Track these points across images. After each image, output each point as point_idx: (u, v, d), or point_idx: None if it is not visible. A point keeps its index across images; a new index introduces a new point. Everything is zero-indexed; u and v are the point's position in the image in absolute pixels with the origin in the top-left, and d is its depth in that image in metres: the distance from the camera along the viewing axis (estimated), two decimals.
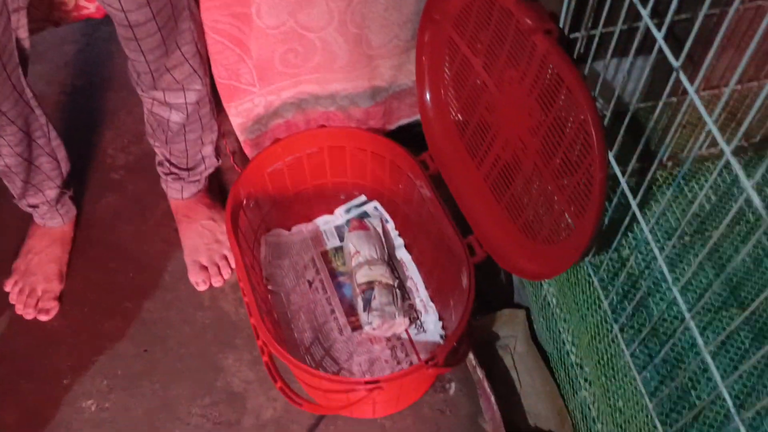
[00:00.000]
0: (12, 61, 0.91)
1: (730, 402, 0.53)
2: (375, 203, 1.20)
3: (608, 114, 0.76)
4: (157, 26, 0.89)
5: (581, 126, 0.71)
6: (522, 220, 0.90)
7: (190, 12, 0.93)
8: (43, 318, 1.13)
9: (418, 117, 1.16)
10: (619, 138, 0.74)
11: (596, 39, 0.74)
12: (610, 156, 0.70)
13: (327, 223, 1.22)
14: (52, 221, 1.17)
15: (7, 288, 1.15)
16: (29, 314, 1.13)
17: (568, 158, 0.77)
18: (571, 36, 0.79)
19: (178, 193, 1.19)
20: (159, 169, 1.18)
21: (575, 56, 0.80)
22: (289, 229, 1.21)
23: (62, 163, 1.12)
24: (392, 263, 1.15)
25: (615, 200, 0.78)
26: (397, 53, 1.06)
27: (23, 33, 0.92)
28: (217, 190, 1.27)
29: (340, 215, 1.21)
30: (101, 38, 1.49)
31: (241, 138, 1.14)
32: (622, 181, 0.68)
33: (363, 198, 1.21)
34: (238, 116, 1.09)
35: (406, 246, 1.17)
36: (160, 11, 0.87)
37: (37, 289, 1.14)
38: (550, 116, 0.78)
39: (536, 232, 0.87)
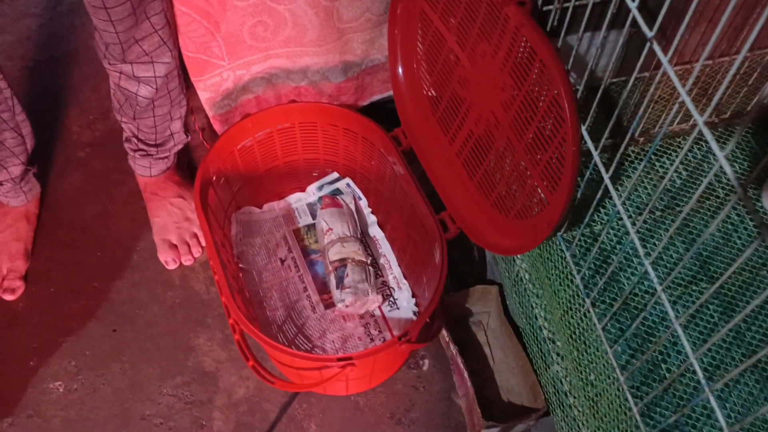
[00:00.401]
0: None
1: (700, 373, 0.53)
2: (347, 180, 1.19)
3: (581, 88, 0.76)
4: (129, 7, 0.86)
5: (554, 100, 0.71)
6: (495, 196, 0.89)
7: None
8: (9, 297, 1.11)
9: (390, 93, 1.15)
10: (592, 112, 0.74)
11: (569, 12, 0.73)
12: (583, 130, 0.70)
13: (299, 200, 1.20)
14: (15, 199, 1.14)
15: None
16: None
17: (541, 133, 0.76)
18: (544, 8, 0.78)
19: (146, 170, 1.16)
20: (126, 145, 1.15)
21: (548, 29, 0.79)
22: (260, 207, 1.19)
23: (27, 139, 1.09)
24: (365, 240, 1.14)
25: (587, 175, 0.78)
26: (369, 27, 1.04)
27: None
28: (186, 167, 1.24)
29: (312, 192, 1.20)
30: (64, 11, 1.45)
31: (210, 113, 1.11)
32: (595, 155, 0.67)
33: (335, 175, 1.20)
34: (206, 91, 1.06)
35: (378, 223, 1.16)
36: None
37: (1, 268, 1.11)
38: (523, 90, 0.77)
39: (509, 207, 0.87)
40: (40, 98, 1.33)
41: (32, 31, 1.42)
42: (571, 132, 0.69)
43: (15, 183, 1.11)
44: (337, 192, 1.18)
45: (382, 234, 1.15)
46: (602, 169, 0.66)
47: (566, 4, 0.75)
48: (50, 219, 1.19)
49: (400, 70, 1.02)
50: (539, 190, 0.79)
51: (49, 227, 1.19)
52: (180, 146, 1.16)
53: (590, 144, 0.69)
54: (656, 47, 0.49)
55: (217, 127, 1.14)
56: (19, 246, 1.13)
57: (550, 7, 0.77)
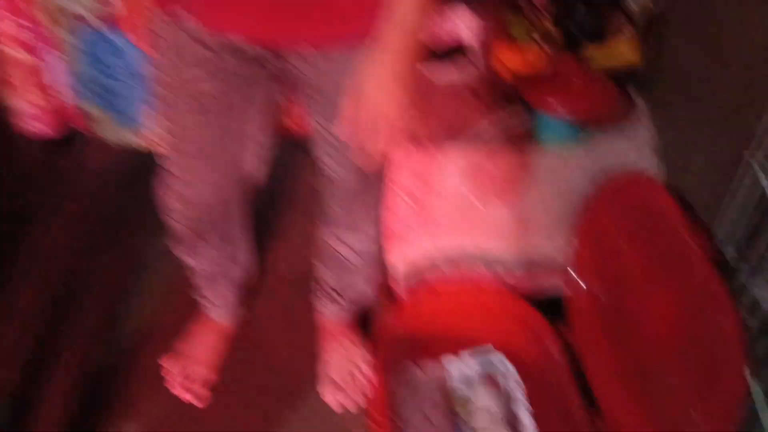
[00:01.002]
0: (243, 189, 1.08)
1: None
2: (501, 356, 1.24)
3: (754, 327, 0.78)
4: (356, 187, 1.03)
5: (724, 341, 0.75)
6: (650, 410, 0.91)
7: (383, 177, 1.07)
8: (197, 403, 1.24)
9: (562, 291, 1.22)
10: (763, 355, 0.77)
11: (754, 263, 0.78)
12: (750, 378, 0.73)
13: (457, 368, 1.26)
14: (221, 317, 1.30)
15: (166, 364, 1.27)
16: (185, 396, 1.24)
17: (705, 367, 0.80)
18: (729, 257, 0.83)
19: (330, 313, 1.30)
20: (316, 287, 1.30)
21: (726, 273, 0.84)
22: (418, 364, 1.26)
23: (250, 277, 1.28)
24: (515, 425, 1.17)
25: (749, 408, 0.78)
26: (555, 232, 1.15)
27: (257, 160, 1.08)
28: (364, 316, 1.36)
29: (466, 360, 1.25)
30: (295, 164, 1.62)
31: (397, 282, 1.24)
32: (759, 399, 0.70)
33: (490, 347, 1.25)
34: (398, 262, 1.19)
35: (530, 411, 1.18)
36: (364, 176, 1.00)
37: (194, 373, 1.26)
38: (693, 324, 0.82)
39: (660, 422, 0.88)
40: (260, 237, 1.49)
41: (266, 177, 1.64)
42: (737, 372, 0.72)
43: (227, 306, 1.29)
44: (490, 364, 1.23)
45: (534, 423, 1.17)
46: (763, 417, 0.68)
47: (748, 253, 0.80)
48: (242, 336, 1.34)
49: (575, 275, 1.10)
50: (692, 411, 0.81)
51: (238, 344, 1.33)
52: (364, 302, 1.29)
53: (757, 388, 0.72)
54: None
55: (401, 293, 1.26)
56: (212, 358, 1.28)
57: (734, 255, 0.82)
